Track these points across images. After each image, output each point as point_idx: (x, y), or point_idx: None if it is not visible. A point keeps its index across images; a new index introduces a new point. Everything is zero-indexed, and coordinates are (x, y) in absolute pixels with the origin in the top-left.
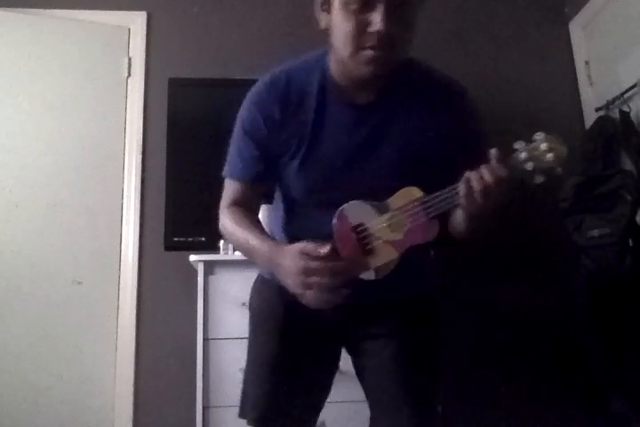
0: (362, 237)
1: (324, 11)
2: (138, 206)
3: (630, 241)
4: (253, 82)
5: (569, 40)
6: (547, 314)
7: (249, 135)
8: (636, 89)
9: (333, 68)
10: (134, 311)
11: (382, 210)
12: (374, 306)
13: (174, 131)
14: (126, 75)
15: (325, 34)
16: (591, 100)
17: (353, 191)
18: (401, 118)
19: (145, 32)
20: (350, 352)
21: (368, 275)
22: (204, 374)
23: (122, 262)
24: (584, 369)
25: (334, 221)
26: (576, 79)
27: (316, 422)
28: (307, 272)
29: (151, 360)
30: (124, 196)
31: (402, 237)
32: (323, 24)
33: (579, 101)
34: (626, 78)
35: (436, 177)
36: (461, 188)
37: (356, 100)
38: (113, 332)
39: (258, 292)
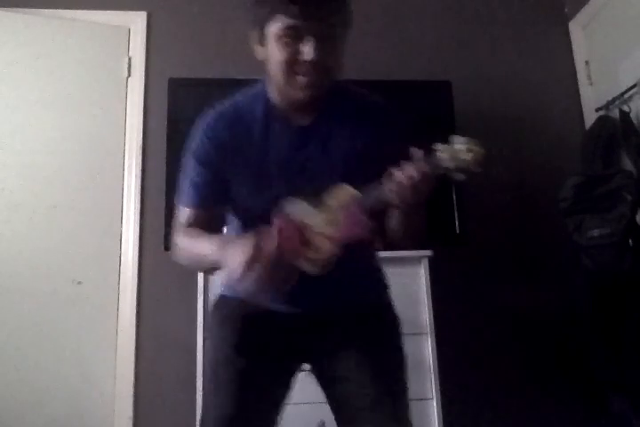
0: (302, 232)
1: (259, 44)
2: (138, 206)
3: (630, 241)
4: (253, 82)
5: (569, 40)
6: (547, 314)
7: (201, 163)
8: (635, 89)
9: (273, 95)
10: (134, 311)
11: (320, 207)
12: (328, 314)
13: (174, 131)
14: (126, 75)
15: (264, 65)
16: (591, 100)
17: None
18: (337, 135)
19: (145, 32)
20: (313, 366)
21: (310, 269)
22: (204, 375)
23: (122, 262)
24: (584, 369)
25: (275, 218)
26: (576, 79)
27: None
28: (255, 254)
29: (151, 360)
30: (124, 196)
31: (338, 231)
32: (259, 56)
33: (579, 101)
34: (626, 78)
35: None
36: (390, 184)
37: (297, 122)
38: (113, 332)
39: (218, 309)
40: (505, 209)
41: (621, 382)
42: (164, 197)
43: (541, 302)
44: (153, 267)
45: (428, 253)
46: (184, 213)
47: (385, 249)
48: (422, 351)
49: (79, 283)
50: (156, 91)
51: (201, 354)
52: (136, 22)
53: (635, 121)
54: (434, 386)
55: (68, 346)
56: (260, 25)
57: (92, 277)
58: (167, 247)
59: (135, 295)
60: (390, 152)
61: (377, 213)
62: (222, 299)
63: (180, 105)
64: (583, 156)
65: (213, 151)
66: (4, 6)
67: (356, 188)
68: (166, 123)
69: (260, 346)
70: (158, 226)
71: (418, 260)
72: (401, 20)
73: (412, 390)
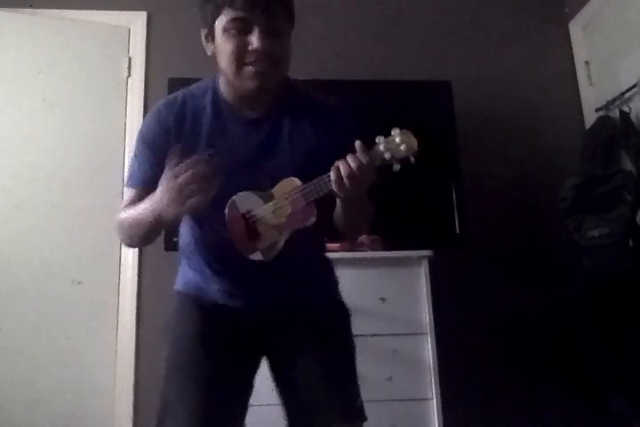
0: (250, 222)
1: (208, 40)
2: None
3: (630, 241)
4: None
5: (569, 40)
6: (547, 314)
7: (147, 145)
8: (636, 89)
9: (223, 88)
10: (134, 311)
11: (267, 199)
12: (280, 310)
13: None
14: (126, 75)
15: (213, 60)
16: (591, 101)
17: None
18: (286, 130)
19: (145, 32)
20: (270, 360)
21: (256, 256)
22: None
23: (122, 262)
24: (584, 369)
25: (226, 210)
26: (576, 79)
27: None
28: (174, 178)
29: (151, 360)
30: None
31: (284, 220)
32: (209, 52)
33: (579, 101)
34: (626, 78)
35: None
36: (332, 174)
37: (246, 115)
38: (113, 332)
39: (175, 310)
40: (505, 209)
41: (621, 382)
42: None
43: (541, 301)
44: (153, 267)
45: (428, 253)
46: (129, 193)
47: (385, 249)
48: (422, 351)
49: (79, 283)
50: (155, 91)
51: None
52: (136, 22)
53: (635, 121)
54: (434, 386)
55: (68, 346)
56: (209, 21)
57: (91, 277)
58: (167, 247)
59: (135, 295)
60: (337, 147)
61: (325, 206)
62: (177, 294)
63: None
64: (583, 156)
65: (159, 136)
66: (4, 6)
67: (303, 180)
68: None
69: (216, 340)
70: None
71: (418, 260)
72: (401, 20)
73: (412, 390)
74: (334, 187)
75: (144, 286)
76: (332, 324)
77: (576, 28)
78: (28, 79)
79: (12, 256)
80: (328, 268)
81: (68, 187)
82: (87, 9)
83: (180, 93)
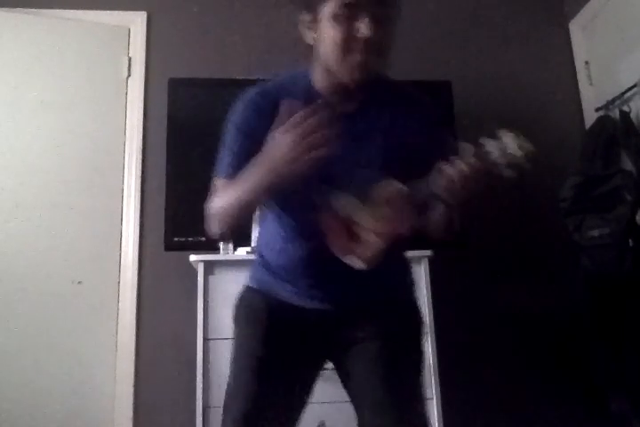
0: (349, 227)
1: (310, 28)
2: (138, 206)
3: (630, 241)
4: (253, 82)
5: (569, 40)
6: (547, 314)
7: (241, 131)
8: (636, 89)
9: (318, 80)
10: (134, 311)
11: (366, 201)
12: (355, 310)
13: (174, 131)
14: (126, 75)
15: (310, 49)
16: (591, 100)
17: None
18: (379, 124)
19: (145, 32)
20: (333, 358)
21: (353, 261)
22: (203, 374)
23: (122, 262)
24: (584, 369)
25: (322, 214)
26: (576, 79)
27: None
28: (290, 131)
29: (151, 360)
30: (124, 196)
31: (385, 226)
32: (309, 39)
33: (579, 101)
34: (626, 78)
35: (415, 172)
36: (440, 179)
37: (339, 108)
38: (113, 332)
39: (243, 301)
40: (505, 209)
41: (621, 382)
42: (164, 197)
43: (541, 302)
44: (153, 267)
45: (427, 253)
46: (220, 183)
47: None
48: None
49: (79, 283)
50: (155, 91)
51: (201, 354)
52: (136, 22)
53: (635, 121)
54: (434, 386)
55: (68, 346)
56: (314, 7)
57: (91, 277)
58: (167, 247)
59: (135, 295)
60: (432, 144)
61: (419, 207)
62: (248, 290)
63: (179, 105)
64: (583, 156)
65: (254, 119)
66: (4, 6)
67: (400, 180)
68: (166, 123)
69: (284, 341)
70: (158, 226)
71: (418, 260)
72: (401, 20)
73: None
74: (443, 191)
75: (144, 286)
76: (405, 326)
77: (576, 29)
78: (28, 79)
79: (12, 256)
80: (406, 267)
81: (68, 187)
82: (87, 9)
83: (271, 84)
